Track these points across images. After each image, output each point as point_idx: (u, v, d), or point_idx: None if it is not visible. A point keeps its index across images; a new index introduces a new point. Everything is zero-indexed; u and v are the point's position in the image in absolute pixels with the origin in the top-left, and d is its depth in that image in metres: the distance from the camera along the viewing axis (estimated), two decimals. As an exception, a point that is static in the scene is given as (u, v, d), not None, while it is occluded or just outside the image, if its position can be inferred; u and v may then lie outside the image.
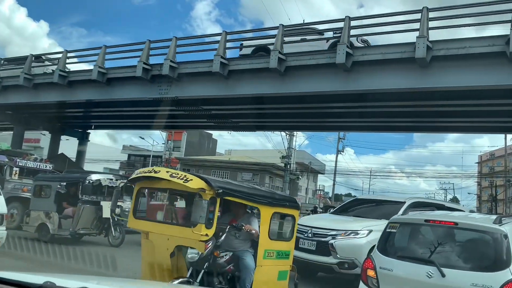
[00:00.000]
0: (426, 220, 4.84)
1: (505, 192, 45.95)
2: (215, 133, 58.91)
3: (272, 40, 12.67)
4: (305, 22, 14.92)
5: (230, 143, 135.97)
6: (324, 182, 58.42)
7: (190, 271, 4.74)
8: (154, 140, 47.01)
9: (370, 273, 4.72)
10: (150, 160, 47.44)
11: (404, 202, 8.79)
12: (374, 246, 7.37)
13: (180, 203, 6.36)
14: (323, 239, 8.00)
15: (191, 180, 4.57)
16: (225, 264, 4.96)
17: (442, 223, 4.69)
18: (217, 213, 4.70)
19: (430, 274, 4.21)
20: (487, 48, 10.17)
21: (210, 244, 4.62)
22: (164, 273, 4.80)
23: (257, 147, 57.39)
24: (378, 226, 7.75)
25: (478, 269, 4.17)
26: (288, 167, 35.72)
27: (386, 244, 4.98)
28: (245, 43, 14.07)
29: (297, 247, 7.93)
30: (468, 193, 65.85)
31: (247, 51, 13.75)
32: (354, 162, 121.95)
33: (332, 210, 10.86)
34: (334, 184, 45.38)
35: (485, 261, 4.28)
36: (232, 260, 5.03)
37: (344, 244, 7.77)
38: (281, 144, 35.00)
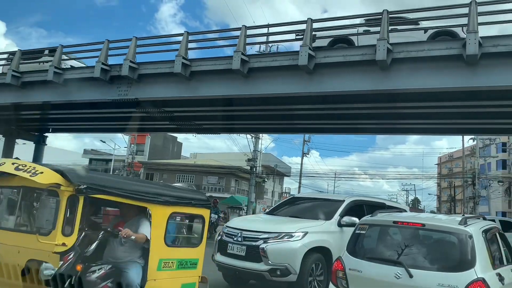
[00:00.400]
0: (394, 222, 4.88)
1: (463, 193, 47.61)
2: (180, 136, 58.21)
3: (354, 30, 12.09)
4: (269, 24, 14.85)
5: (196, 146, 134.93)
6: (290, 184, 58.80)
7: None
8: (116, 143, 45.81)
9: (340, 274, 4.75)
10: (112, 164, 46.23)
11: (343, 201, 8.54)
12: (310, 249, 7.25)
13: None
14: (253, 243, 7.34)
15: (41, 173, 3.72)
16: (99, 281, 3.99)
17: (410, 225, 4.74)
18: (79, 216, 3.73)
19: (398, 275, 4.27)
20: (445, 51, 10.38)
21: (71, 256, 3.65)
22: None
23: (224, 150, 57.14)
24: (315, 227, 7.63)
25: (444, 270, 4.23)
26: (254, 170, 35.67)
27: (355, 246, 4.99)
28: (319, 34, 12.20)
29: (225, 253, 7.63)
30: (429, 194, 68.21)
31: (322, 43, 12.18)
32: (319, 164, 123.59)
33: (267, 210, 10.02)
34: (299, 187, 45.63)
35: (451, 261, 4.34)
36: (111, 275, 4.09)
37: (276, 249, 7.14)
38: (247, 147, 34.93)
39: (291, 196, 10.72)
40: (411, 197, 72.16)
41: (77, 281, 3.49)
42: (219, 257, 7.83)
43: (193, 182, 44.18)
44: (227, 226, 8.33)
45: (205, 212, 4.92)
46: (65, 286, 3.39)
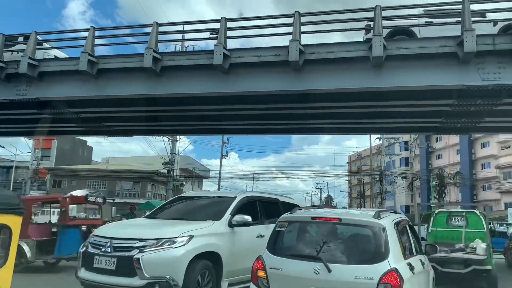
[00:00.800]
0: (312, 218, 5.00)
1: (371, 189, 50.78)
2: (90, 140, 55.09)
3: (415, 21, 11.37)
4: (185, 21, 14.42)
5: (109, 150, 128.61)
6: (209, 187, 58.35)
7: None
8: (18, 149, 42.08)
9: (260, 273, 4.75)
10: (13, 171, 42.40)
11: (235, 198, 7.73)
12: (197, 256, 6.24)
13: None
14: (126, 254, 6.11)
15: None
16: None
17: (328, 220, 4.88)
18: None
19: (318, 270, 4.38)
20: (353, 52, 10.83)
21: None
22: None
23: (139, 154, 55.01)
24: (202, 229, 6.65)
25: (360, 262, 4.39)
26: (172, 173, 34.83)
27: (275, 244, 5.00)
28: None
29: (91, 268, 6.33)
30: (340, 191, 71.72)
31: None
32: (238, 165, 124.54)
33: (147, 213, 8.65)
34: (219, 189, 45.53)
35: (366, 254, 4.50)
36: None
37: (154, 258, 5.99)
38: (164, 150, 34.00)
39: (177, 196, 9.49)
40: (324, 195, 75.46)
41: None
42: (83, 273, 6.47)
43: (105, 188, 42.06)
44: (94, 234, 6.96)
45: (11, 220, 3.44)
46: None
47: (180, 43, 22.05)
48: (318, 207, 6.34)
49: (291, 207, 7.31)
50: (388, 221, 4.72)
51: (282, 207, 8.45)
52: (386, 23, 10.86)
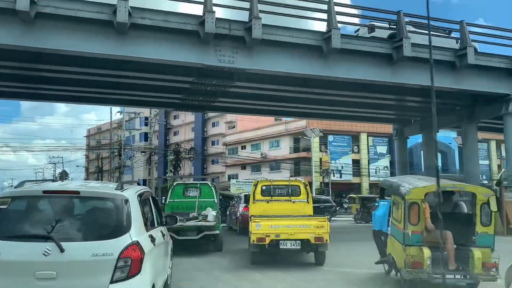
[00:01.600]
0: (44, 192, 4.36)
1: (110, 163, 49.73)
2: None
3: None
4: None
5: None
6: None
7: None
8: None
9: None
10: None
11: None
12: None
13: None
14: None
15: None
16: None
17: (63, 193, 4.36)
18: None
19: (48, 251, 3.83)
20: (94, 14, 9.99)
21: None
22: None
23: None
24: None
25: (99, 238, 4.01)
26: None
27: None
28: None
29: None
30: (77, 166, 67.49)
31: None
32: None
33: None
34: None
35: (107, 228, 4.15)
36: None
37: None
38: None
39: None
40: (59, 170, 69.63)
41: None
42: None
43: None
44: None
45: None
46: None
47: None
48: (53, 180, 5.70)
49: None
50: (131, 193, 4.47)
51: None
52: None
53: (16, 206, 4.30)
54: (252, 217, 8.50)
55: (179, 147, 41.14)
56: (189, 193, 12.26)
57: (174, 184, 12.78)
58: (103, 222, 4.28)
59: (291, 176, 33.53)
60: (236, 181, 37.25)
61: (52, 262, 3.82)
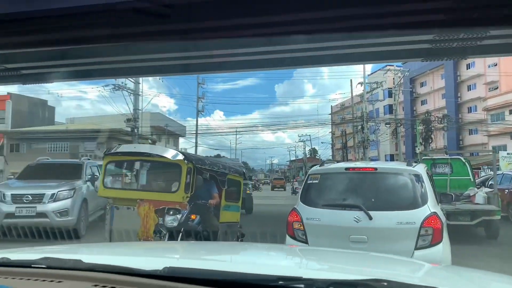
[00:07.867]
0: (346, 169, 5.20)
1: (353, 139, 48.37)
2: (51, 99, 51.20)
3: None
4: None
5: (74, 110, 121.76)
6: (185, 144, 55.21)
7: None
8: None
9: (297, 225, 4.88)
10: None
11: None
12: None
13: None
14: None
15: None
16: None
17: (363, 170, 5.14)
18: None
19: (358, 218, 4.54)
20: None
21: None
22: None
23: (110, 113, 51.13)
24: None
25: (400, 209, 4.59)
26: (136, 131, 31.73)
27: (309, 195, 5.11)
28: None
29: None
30: (322, 142, 69.53)
31: None
32: (217, 122, 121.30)
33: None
34: (196, 146, 42.85)
35: (406, 200, 4.70)
36: None
37: None
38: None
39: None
40: (308, 148, 73.43)
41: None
42: None
43: (67, 151, 38.89)
44: None
45: None
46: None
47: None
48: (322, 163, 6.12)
49: None
50: (421, 168, 4.92)
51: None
52: None
53: (324, 181, 5.17)
54: None
55: (430, 115, 36.01)
56: (438, 169, 11.24)
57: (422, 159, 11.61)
58: (402, 194, 4.82)
59: None
60: (508, 154, 29.45)
61: (363, 228, 4.52)
